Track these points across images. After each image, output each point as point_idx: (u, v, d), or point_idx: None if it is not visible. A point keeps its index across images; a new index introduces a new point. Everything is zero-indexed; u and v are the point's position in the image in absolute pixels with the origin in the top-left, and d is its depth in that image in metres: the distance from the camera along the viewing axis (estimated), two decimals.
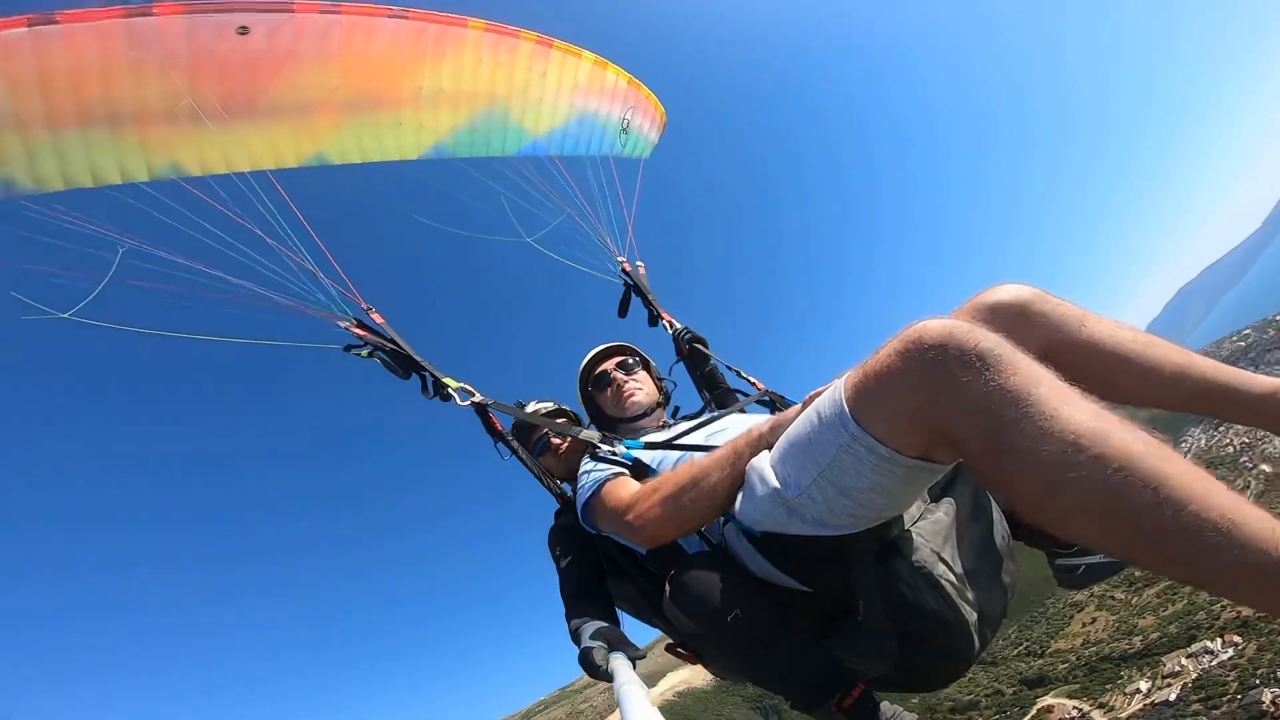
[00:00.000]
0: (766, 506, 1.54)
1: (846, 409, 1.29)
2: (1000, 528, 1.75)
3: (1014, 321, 1.56)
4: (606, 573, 2.46)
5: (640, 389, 2.70)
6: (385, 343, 2.77)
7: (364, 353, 2.75)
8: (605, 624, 2.08)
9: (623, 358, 2.80)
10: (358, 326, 2.83)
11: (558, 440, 2.90)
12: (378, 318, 2.85)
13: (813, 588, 1.61)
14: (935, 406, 1.15)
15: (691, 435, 2.27)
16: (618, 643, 1.90)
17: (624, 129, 4.68)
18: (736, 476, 1.69)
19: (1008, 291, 1.60)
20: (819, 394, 1.54)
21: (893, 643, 1.52)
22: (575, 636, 2.12)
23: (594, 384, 2.75)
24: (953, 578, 1.54)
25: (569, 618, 2.31)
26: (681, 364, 3.24)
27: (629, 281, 3.71)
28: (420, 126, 3.72)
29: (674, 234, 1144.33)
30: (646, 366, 2.86)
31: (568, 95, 4.15)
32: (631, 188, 4.30)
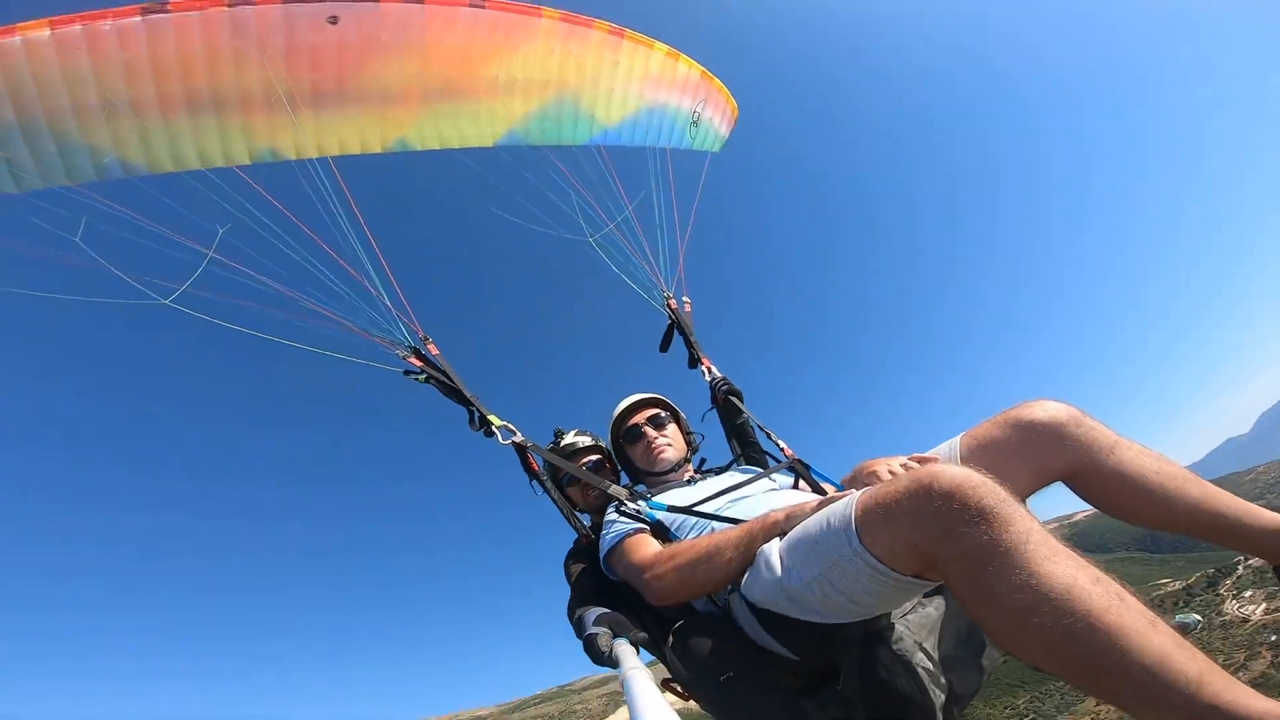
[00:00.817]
0: (769, 590, 1.73)
1: (854, 525, 1.47)
2: None
3: (1045, 440, 1.81)
4: (618, 601, 2.47)
5: (669, 445, 2.84)
6: (438, 373, 2.97)
7: (421, 378, 2.98)
8: (606, 610, 2.11)
9: (655, 411, 2.93)
10: (414, 356, 3.02)
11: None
12: (433, 349, 3.04)
13: (800, 657, 1.78)
14: (931, 543, 1.32)
15: (713, 503, 2.40)
16: (621, 628, 1.96)
17: (694, 122, 4.71)
18: (747, 558, 1.87)
19: (1045, 410, 1.85)
20: (836, 498, 1.72)
21: (861, 713, 1.69)
22: (579, 625, 2.15)
23: (625, 436, 2.90)
24: (930, 665, 1.73)
25: (571, 610, 2.35)
26: (715, 412, 3.33)
27: (672, 319, 3.75)
28: (495, 114, 3.88)
29: (715, 263, 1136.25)
30: (676, 419, 3.01)
31: (638, 86, 4.22)
32: (688, 217, 4.31)
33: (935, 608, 1.84)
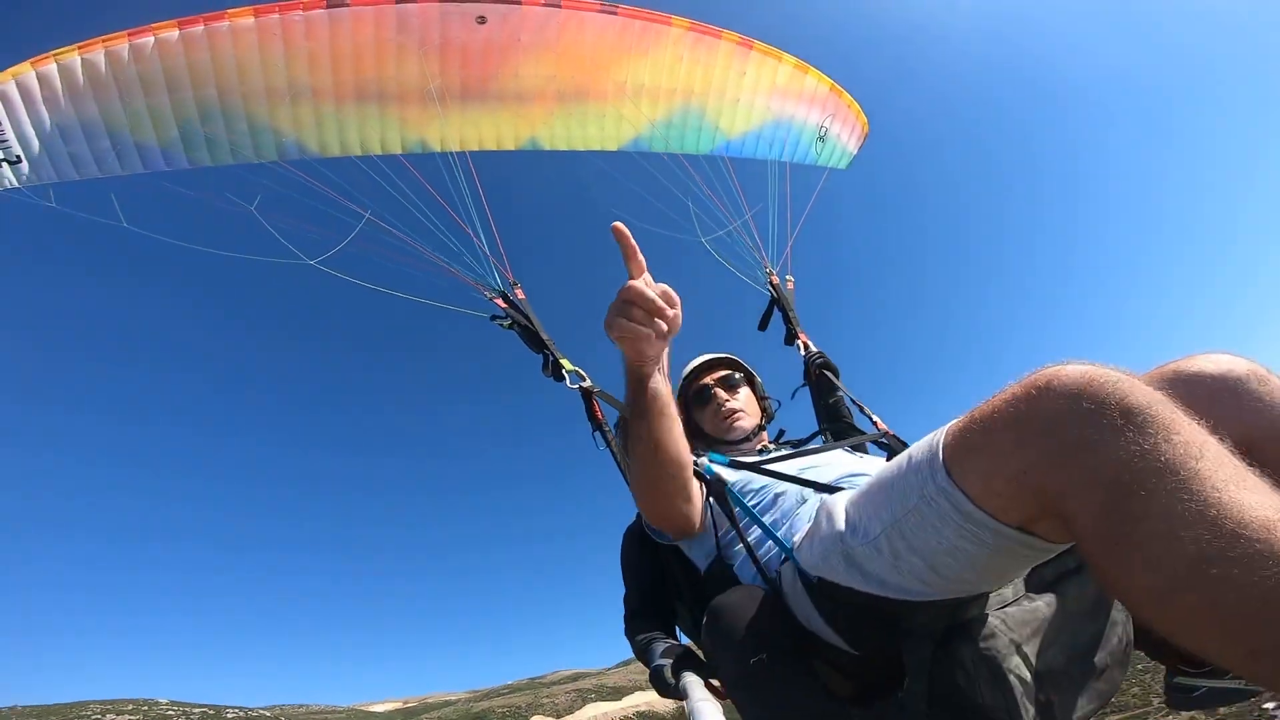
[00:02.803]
0: (826, 549, 1.41)
1: (940, 455, 1.12)
2: (1121, 633, 1.50)
3: (1215, 399, 1.26)
4: (675, 595, 2.42)
5: (742, 411, 2.57)
6: (521, 318, 3.06)
7: (505, 323, 3.07)
8: (673, 642, 2.08)
9: (728, 372, 2.67)
10: (502, 300, 3.17)
11: None
12: (520, 294, 3.22)
13: (859, 651, 1.43)
14: (1049, 468, 0.95)
15: (783, 464, 2.10)
16: (688, 661, 1.84)
17: (821, 137, 4.78)
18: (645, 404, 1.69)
19: (1214, 362, 1.32)
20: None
21: None
22: (644, 654, 2.11)
23: (695, 397, 2.63)
24: (1026, 675, 1.31)
25: (632, 630, 2.31)
26: (807, 389, 3.18)
27: (774, 295, 3.72)
28: (621, 119, 4.16)
29: (827, 245, 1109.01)
30: (751, 383, 2.74)
31: (765, 97, 4.38)
32: (803, 199, 4.36)
33: (1046, 603, 1.42)
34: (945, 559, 1.14)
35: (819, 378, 3.12)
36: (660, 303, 1.53)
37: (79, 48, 2.69)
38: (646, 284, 1.54)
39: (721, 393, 2.58)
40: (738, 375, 2.67)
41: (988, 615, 1.33)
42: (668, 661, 1.90)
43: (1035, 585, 1.43)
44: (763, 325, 3.70)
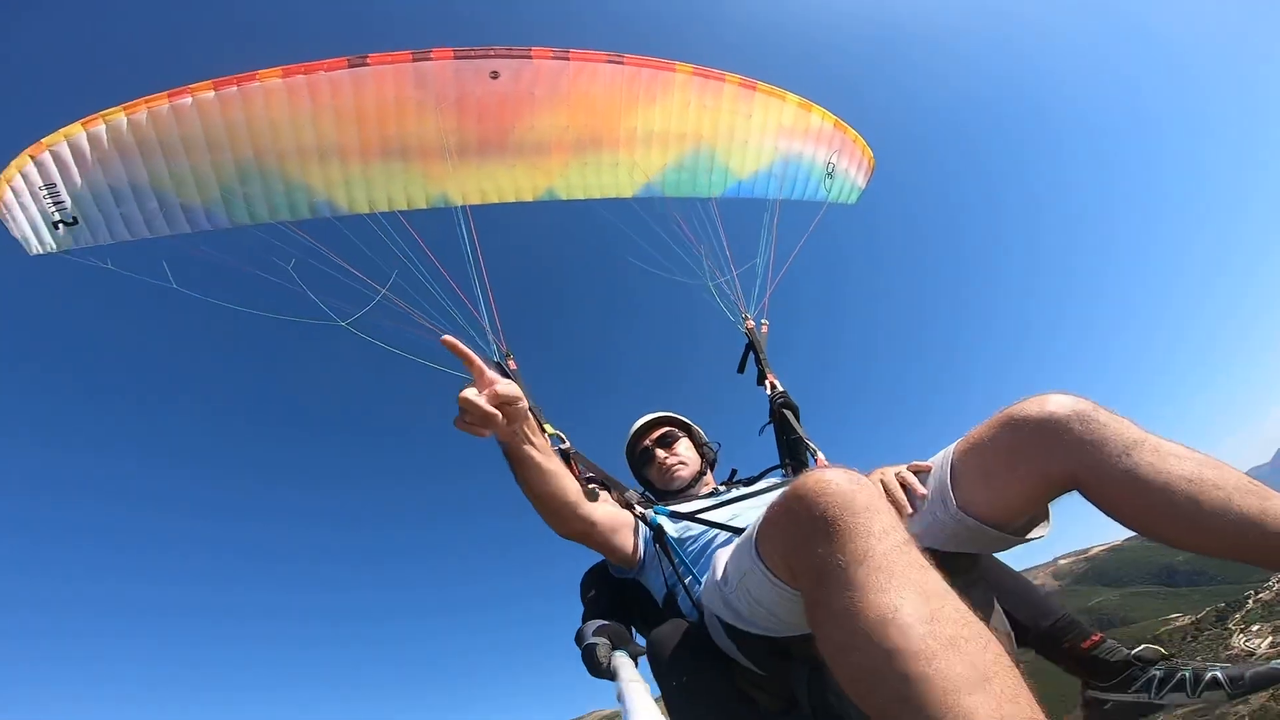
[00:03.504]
0: (712, 595, 1.77)
1: (755, 533, 1.48)
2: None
3: (1039, 440, 1.55)
4: (632, 621, 2.63)
5: (681, 463, 2.98)
6: None
7: None
8: (608, 622, 2.21)
9: (663, 431, 3.10)
10: (495, 368, 3.38)
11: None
12: (513, 364, 3.43)
13: (764, 671, 1.76)
14: (790, 556, 1.31)
15: (716, 512, 2.47)
16: (620, 639, 2.06)
17: (829, 173, 4.91)
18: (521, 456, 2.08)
19: (1040, 407, 1.58)
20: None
21: None
22: (579, 635, 2.25)
23: (639, 459, 3.10)
24: None
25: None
26: (772, 426, 3.49)
27: (750, 339, 3.94)
28: (634, 166, 4.35)
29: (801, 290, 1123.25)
30: (689, 433, 3.16)
31: (772, 137, 4.55)
32: (787, 248, 4.56)
33: None
34: (775, 607, 1.47)
35: (779, 416, 3.42)
36: (488, 408, 1.78)
37: (124, 108, 2.96)
38: (481, 390, 1.83)
39: (660, 451, 3.02)
40: (675, 431, 3.12)
41: None
42: (601, 640, 2.04)
43: None
44: (740, 368, 3.95)
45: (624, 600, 2.63)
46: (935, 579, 1.12)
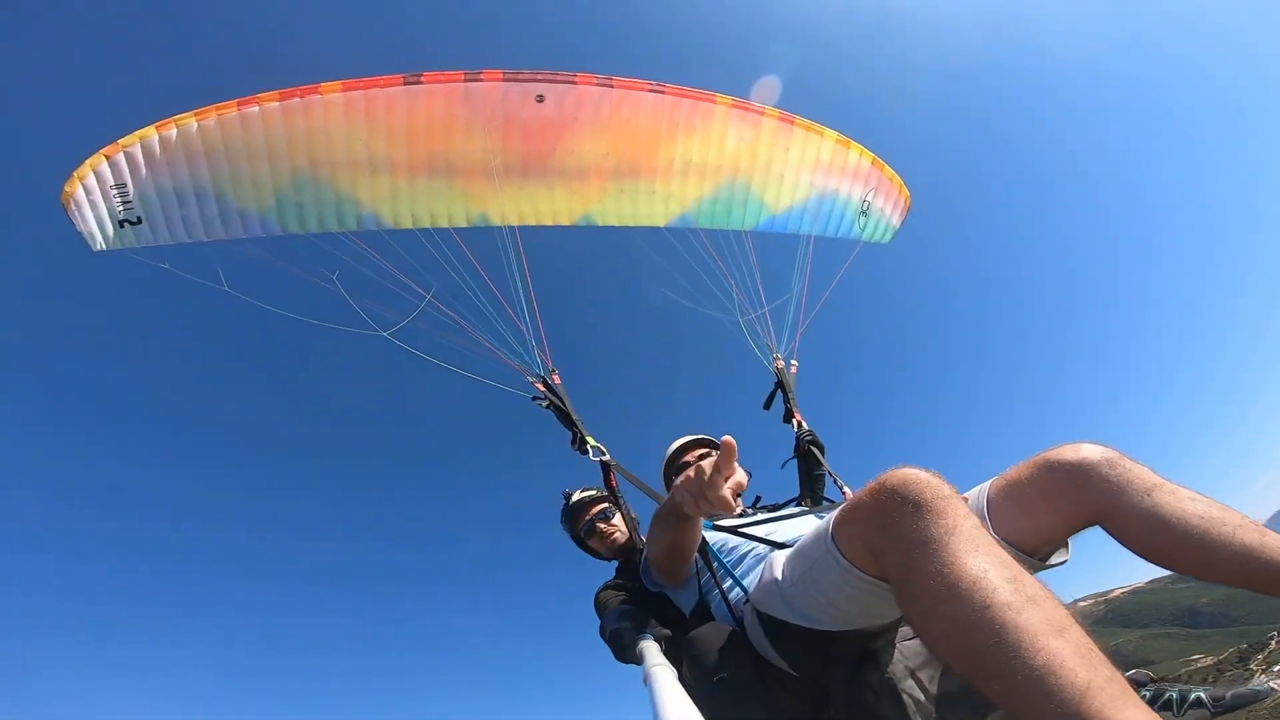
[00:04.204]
0: (769, 592, 1.91)
1: (830, 527, 1.65)
2: None
3: (1072, 482, 1.82)
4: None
5: None
6: (557, 401, 3.53)
7: (544, 404, 3.55)
8: (631, 607, 2.36)
9: (705, 450, 3.29)
10: (542, 383, 3.60)
11: (601, 525, 3.43)
12: (557, 379, 3.62)
13: (799, 673, 1.89)
14: (877, 537, 1.46)
15: (753, 528, 2.59)
16: (646, 625, 2.23)
17: (864, 211, 4.98)
18: (674, 515, 2.10)
19: (1076, 452, 1.85)
20: None
21: None
22: (604, 622, 2.39)
23: (679, 472, 3.20)
24: (920, 696, 1.82)
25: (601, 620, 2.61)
26: (795, 461, 3.65)
27: (778, 379, 4.12)
28: (670, 195, 4.49)
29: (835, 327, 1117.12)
30: None
31: (809, 173, 4.65)
32: (820, 289, 4.72)
33: None
34: (839, 597, 1.65)
35: (806, 453, 3.60)
36: (728, 498, 1.81)
37: (195, 114, 3.18)
38: (725, 475, 1.85)
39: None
40: (714, 453, 3.08)
41: (891, 646, 1.87)
42: (626, 625, 2.19)
43: None
44: (767, 405, 4.11)
45: (643, 604, 2.68)
46: (1008, 554, 1.31)
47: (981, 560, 1.26)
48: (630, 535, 3.26)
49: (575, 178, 4.20)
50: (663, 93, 3.94)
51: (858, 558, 1.56)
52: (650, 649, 1.93)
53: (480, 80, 3.50)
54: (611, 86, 3.80)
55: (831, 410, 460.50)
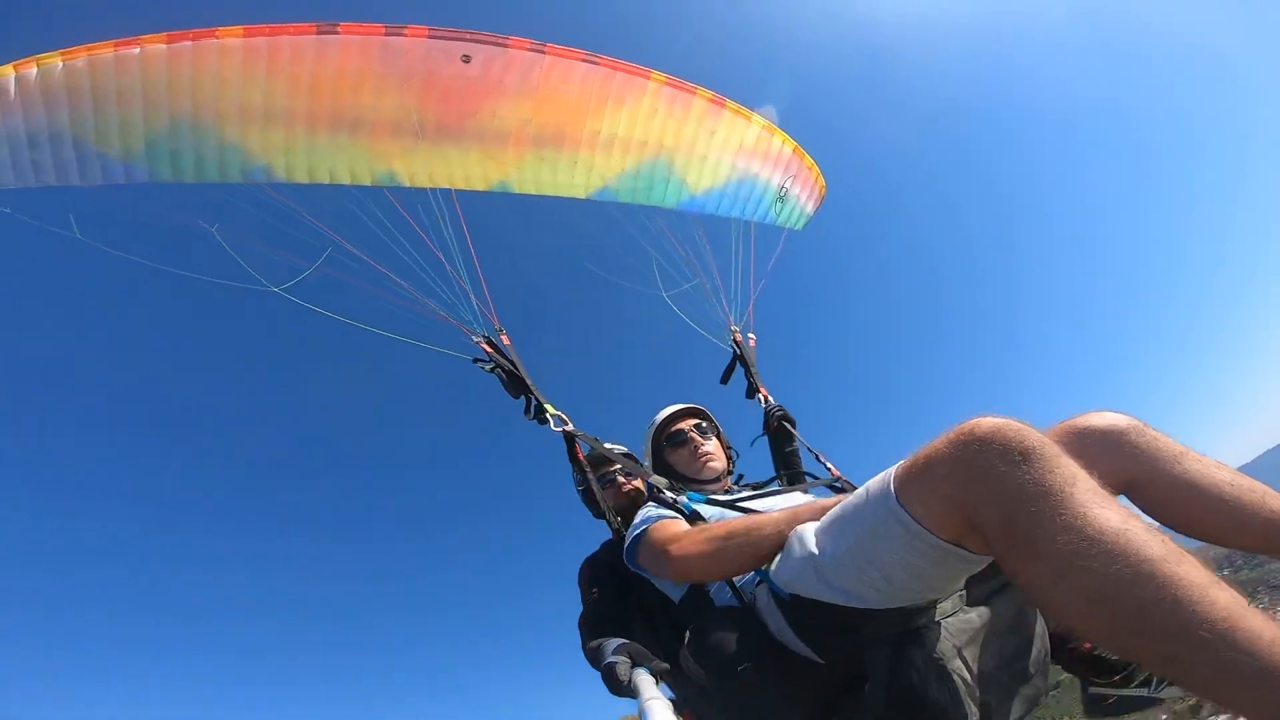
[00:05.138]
0: (799, 569, 1.70)
1: (892, 486, 1.45)
2: (1040, 645, 1.84)
3: (1103, 449, 1.72)
4: (635, 619, 2.65)
5: (714, 455, 2.92)
6: (506, 363, 3.30)
7: (488, 368, 3.28)
8: (625, 640, 2.23)
9: (699, 420, 3.05)
10: (487, 344, 3.38)
11: (623, 479, 3.34)
12: (506, 339, 3.42)
13: (825, 659, 1.70)
14: (967, 492, 1.29)
15: (752, 502, 2.48)
16: (640, 657, 2.06)
17: (781, 197, 5.08)
18: (784, 539, 1.84)
19: (1103, 419, 1.77)
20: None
21: None
22: (595, 655, 2.28)
23: (670, 440, 2.98)
24: (967, 675, 1.61)
25: (585, 641, 2.50)
26: (765, 438, 3.55)
27: (737, 351, 4.05)
28: (592, 168, 4.35)
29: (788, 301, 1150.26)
30: (717, 433, 3.10)
31: (732, 156, 4.65)
32: (766, 259, 4.74)
33: (978, 614, 1.73)
34: (897, 570, 1.45)
35: (778, 428, 3.52)
36: None
37: (62, 54, 2.70)
38: None
39: (696, 437, 2.95)
40: (706, 424, 3.05)
41: (933, 624, 1.64)
42: (621, 659, 2.04)
43: (969, 601, 1.76)
44: (725, 379, 4.03)
45: (627, 594, 2.63)
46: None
47: (1115, 512, 1.14)
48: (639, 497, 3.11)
49: (494, 142, 3.98)
50: (596, 64, 3.78)
51: (934, 519, 1.36)
52: (645, 682, 1.80)
53: (403, 35, 3.19)
54: (544, 53, 3.59)
55: (795, 391, 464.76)
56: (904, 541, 1.40)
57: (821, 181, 5.18)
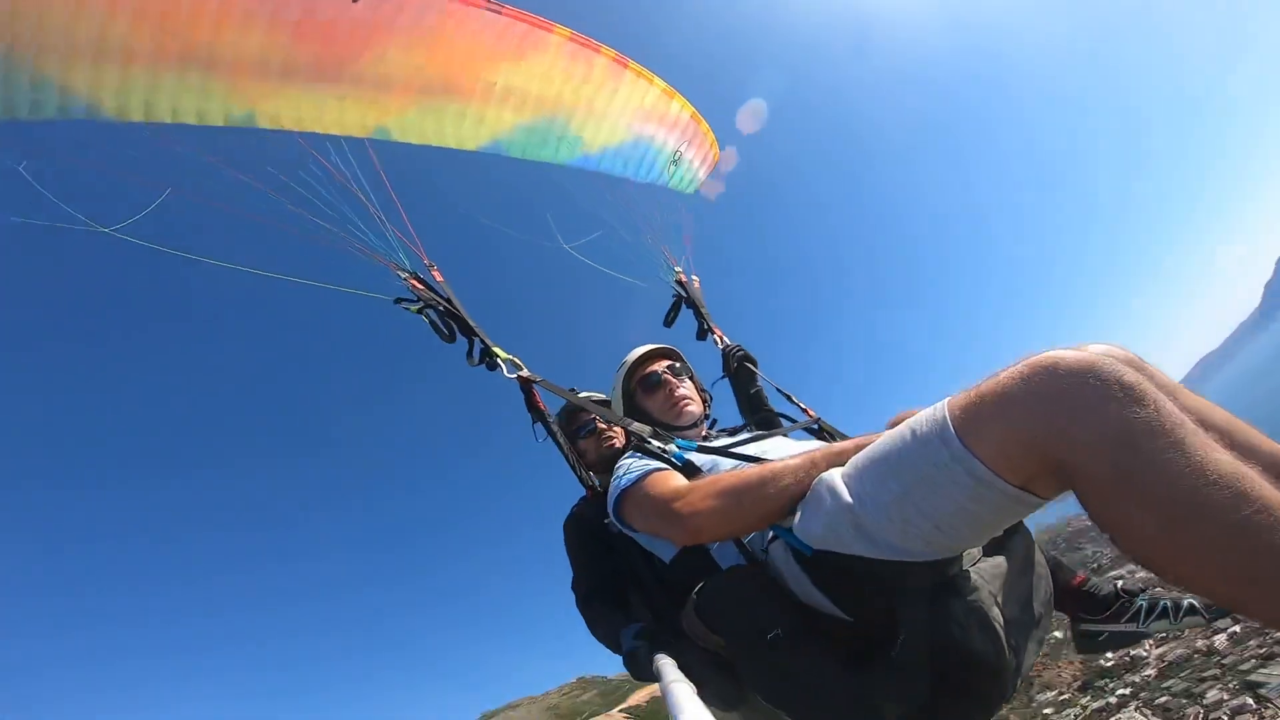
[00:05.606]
0: (832, 522, 1.53)
1: (951, 427, 1.30)
2: (1046, 586, 1.79)
3: None
4: (622, 584, 2.54)
5: (691, 398, 2.70)
6: (441, 301, 2.92)
7: (414, 308, 2.89)
8: (643, 623, 2.16)
9: (671, 362, 2.78)
10: (416, 280, 3.00)
11: (603, 426, 3.05)
12: (438, 275, 3.05)
13: (853, 617, 1.58)
14: (1058, 431, 1.16)
15: (745, 448, 2.24)
16: (661, 642, 1.93)
17: (674, 161, 5.02)
18: (805, 488, 1.67)
19: (1084, 354, 1.52)
20: (908, 415, 1.54)
21: (925, 683, 1.46)
22: (612, 637, 2.23)
23: (642, 382, 2.71)
24: (1003, 622, 1.52)
25: (591, 611, 2.45)
26: (726, 381, 3.35)
27: (683, 294, 3.93)
28: (483, 120, 4.05)
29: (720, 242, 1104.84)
30: (691, 375, 2.86)
31: (629, 117, 4.50)
32: (698, 200, 4.68)
33: (1002, 560, 1.67)
34: (951, 520, 1.33)
35: (739, 369, 3.32)
36: None
37: None
38: None
39: (672, 379, 2.70)
40: (679, 365, 2.80)
41: (967, 572, 1.54)
42: (642, 643, 1.97)
43: (987, 548, 1.69)
44: (668, 322, 3.89)
45: (612, 555, 2.48)
46: None
47: (1226, 454, 1.07)
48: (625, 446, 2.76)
49: (376, 87, 3.56)
50: (499, 12, 3.45)
51: (1005, 463, 1.23)
52: (667, 665, 1.69)
53: None
54: None
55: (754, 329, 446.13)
56: (969, 489, 1.28)
57: (716, 149, 5.18)
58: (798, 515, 1.65)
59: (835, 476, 1.58)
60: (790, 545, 1.67)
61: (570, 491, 2.88)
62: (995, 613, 1.50)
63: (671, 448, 2.23)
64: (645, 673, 1.86)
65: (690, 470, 2.09)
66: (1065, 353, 1.20)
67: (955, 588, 1.50)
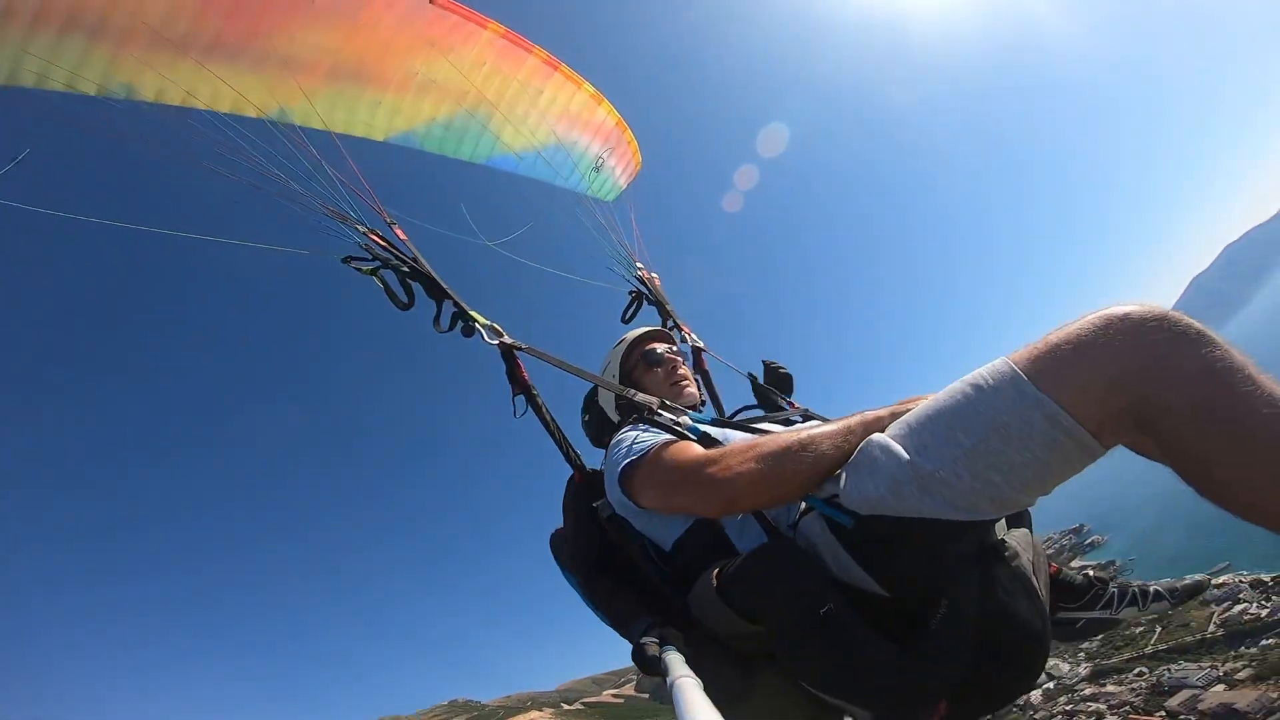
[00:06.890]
0: (894, 482, 1.47)
1: (1024, 376, 1.33)
2: (1046, 567, 1.80)
3: None
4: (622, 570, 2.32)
5: (690, 380, 2.72)
6: (404, 261, 2.72)
7: (367, 268, 2.67)
8: (653, 618, 2.09)
9: (669, 345, 2.78)
10: (376, 236, 2.78)
11: (677, 359, 2.87)
12: (400, 233, 2.84)
13: (890, 590, 1.54)
14: (1140, 371, 1.22)
15: (759, 424, 2.20)
16: (670, 637, 1.81)
17: (596, 168, 4.98)
18: (845, 454, 1.64)
19: (1143, 309, 1.49)
20: (919, 400, 1.60)
21: (970, 655, 1.43)
22: (624, 630, 2.05)
23: (644, 358, 2.70)
24: (1044, 591, 1.53)
25: (593, 589, 2.26)
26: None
27: (644, 290, 3.91)
28: (398, 110, 3.87)
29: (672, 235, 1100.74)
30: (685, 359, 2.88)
31: (553, 120, 4.43)
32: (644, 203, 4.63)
33: (1026, 530, 1.71)
34: (1026, 472, 1.34)
35: (782, 378, 3.19)
36: None
37: None
38: None
39: (675, 358, 2.73)
40: (676, 348, 2.81)
41: (1004, 539, 1.54)
42: (650, 639, 1.89)
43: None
44: (626, 318, 3.88)
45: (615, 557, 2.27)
46: None
47: None
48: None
49: (283, 68, 3.32)
50: (431, 1, 3.30)
51: (1085, 408, 1.26)
52: (675, 661, 1.70)
53: None
54: None
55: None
56: (1045, 435, 1.30)
57: (638, 158, 5.17)
58: (843, 480, 1.60)
59: (884, 438, 1.55)
60: (826, 517, 1.61)
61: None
62: (1034, 581, 1.50)
63: (685, 419, 2.16)
64: (652, 667, 1.82)
65: (708, 442, 1.99)
66: (1132, 304, 1.29)
67: (998, 554, 1.50)
